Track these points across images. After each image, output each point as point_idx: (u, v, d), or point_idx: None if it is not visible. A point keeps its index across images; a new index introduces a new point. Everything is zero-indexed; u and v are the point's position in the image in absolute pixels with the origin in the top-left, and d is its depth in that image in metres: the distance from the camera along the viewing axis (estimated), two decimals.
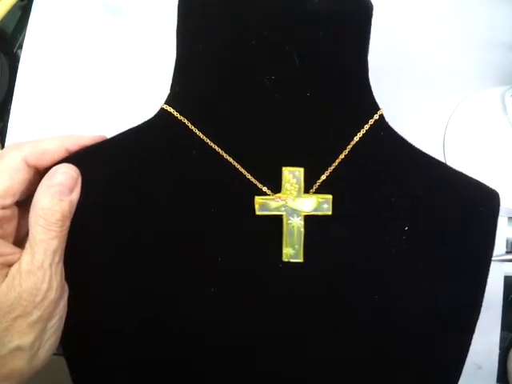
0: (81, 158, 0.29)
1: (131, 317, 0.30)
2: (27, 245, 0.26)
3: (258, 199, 0.30)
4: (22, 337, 0.26)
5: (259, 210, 0.30)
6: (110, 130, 0.31)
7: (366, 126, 0.31)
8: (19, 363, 0.26)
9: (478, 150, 0.40)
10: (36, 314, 0.26)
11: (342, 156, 0.30)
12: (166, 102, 0.31)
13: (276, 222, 0.30)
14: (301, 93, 0.30)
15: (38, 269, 0.26)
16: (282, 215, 0.30)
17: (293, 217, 0.30)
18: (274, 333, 0.30)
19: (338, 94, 0.31)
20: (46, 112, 0.43)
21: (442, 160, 0.42)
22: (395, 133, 0.31)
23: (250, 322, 0.29)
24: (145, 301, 0.30)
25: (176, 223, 0.30)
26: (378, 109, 0.31)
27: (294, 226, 0.30)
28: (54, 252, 0.26)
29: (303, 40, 0.29)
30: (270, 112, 0.30)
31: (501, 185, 0.38)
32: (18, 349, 0.26)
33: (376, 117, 0.31)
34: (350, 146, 0.30)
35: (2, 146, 0.43)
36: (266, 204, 0.30)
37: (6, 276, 0.26)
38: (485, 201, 0.31)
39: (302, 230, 0.30)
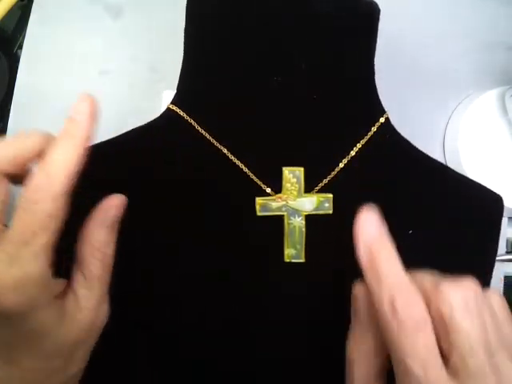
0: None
1: (131, 318, 0.30)
2: (81, 278, 0.25)
3: (258, 200, 0.30)
4: (80, 364, 0.26)
5: (260, 210, 0.30)
6: (110, 131, 0.31)
7: (373, 129, 0.31)
8: None
9: (478, 151, 0.40)
10: (91, 343, 0.26)
11: (347, 157, 0.30)
12: (173, 102, 0.31)
13: (277, 222, 0.30)
14: (307, 95, 0.30)
15: (100, 304, 0.25)
16: (283, 215, 0.30)
17: (294, 217, 0.30)
18: (276, 332, 0.30)
19: (345, 96, 0.31)
20: (46, 112, 0.43)
21: (442, 160, 0.42)
22: (400, 136, 0.32)
23: (252, 322, 0.29)
24: (146, 301, 0.30)
25: (179, 222, 0.30)
26: (384, 112, 0.31)
27: (295, 225, 0.30)
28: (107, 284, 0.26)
29: (310, 43, 0.29)
30: (275, 113, 0.30)
31: (501, 185, 0.38)
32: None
33: (382, 120, 0.31)
34: (355, 148, 0.30)
35: None
36: (267, 205, 0.30)
37: (64, 313, 0.24)
38: (488, 205, 0.31)
39: (304, 229, 0.30)
